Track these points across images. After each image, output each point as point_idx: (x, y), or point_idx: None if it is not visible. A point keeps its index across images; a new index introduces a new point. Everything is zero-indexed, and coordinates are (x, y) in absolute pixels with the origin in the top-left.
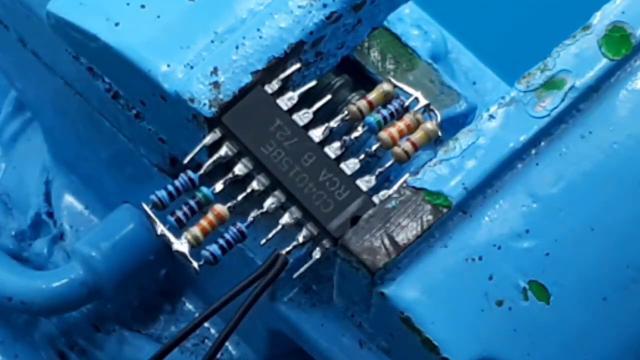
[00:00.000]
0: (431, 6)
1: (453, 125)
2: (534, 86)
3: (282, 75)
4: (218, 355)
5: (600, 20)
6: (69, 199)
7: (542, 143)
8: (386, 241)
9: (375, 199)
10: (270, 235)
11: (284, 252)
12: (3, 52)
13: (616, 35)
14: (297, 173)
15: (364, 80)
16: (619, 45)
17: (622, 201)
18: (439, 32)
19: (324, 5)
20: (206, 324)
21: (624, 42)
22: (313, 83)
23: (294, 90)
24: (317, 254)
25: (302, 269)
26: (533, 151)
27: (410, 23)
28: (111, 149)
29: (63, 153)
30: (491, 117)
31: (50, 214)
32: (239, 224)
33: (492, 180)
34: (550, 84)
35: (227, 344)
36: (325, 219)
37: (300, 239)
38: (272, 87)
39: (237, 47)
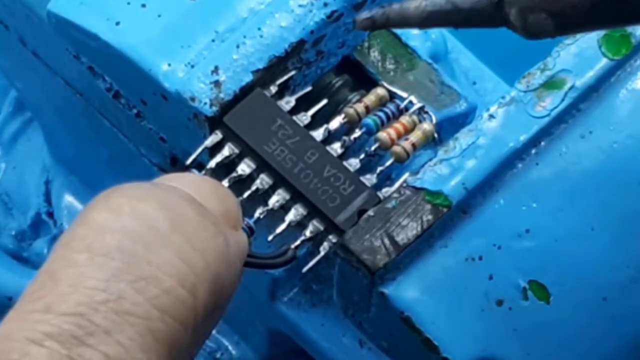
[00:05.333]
0: None
1: (453, 125)
2: (534, 86)
3: (279, 81)
4: (218, 356)
5: None
6: (69, 198)
7: (542, 143)
8: (386, 241)
9: (380, 195)
10: (278, 231)
11: (292, 246)
12: (3, 52)
13: (616, 35)
14: (302, 169)
15: (364, 80)
16: (619, 45)
17: (622, 201)
18: (438, 32)
19: (325, 4)
20: None
21: (624, 42)
22: (309, 89)
23: (293, 92)
24: (324, 248)
25: (311, 263)
26: (533, 151)
27: None
28: (111, 148)
29: (63, 153)
30: (491, 116)
31: (50, 214)
32: (246, 220)
33: (492, 180)
34: (551, 84)
35: (227, 343)
36: (332, 213)
37: (308, 233)
38: (269, 92)
39: (237, 46)
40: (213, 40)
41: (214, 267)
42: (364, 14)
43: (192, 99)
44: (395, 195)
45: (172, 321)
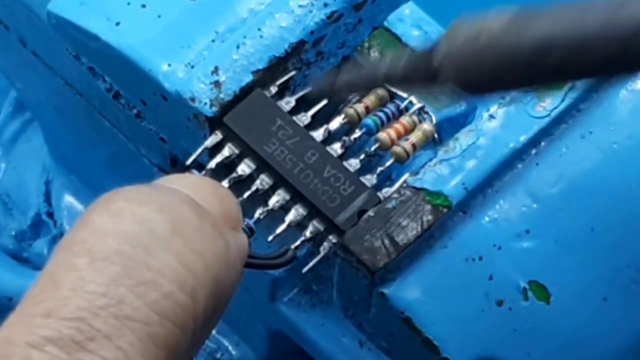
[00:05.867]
0: (431, 7)
1: (453, 125)
2: None
3: (280, 81)
4: (218, 356)
5: None
6: (69, 199)
7: (542, 143)
8: (386, 241)
9: (380, 195)
10: (278, 231)
11: (292, 247)
12: (3, 52)
13: None
14: (302, 170)
15: None
16: None
17: (622, 201)
18: (439, 33)
19: (325, 5)
20: None
21: None
22: (308, 89)
23: (293, 92)
24: (324, 248)
25: (311, 264)
26: (533, 151)
27: (411, 23)
28: (111, 149)
29: (63, 153)
30: (491, 117)
31: (50, 214)
32: (246, 220)
33: (492, 180)
34: None
35: (227, 344)
36: (332, 213)
37: (308, 234)
38: (269, 92)
39: (237, 47)
40: (213, 41)
41: (213, 270)
42: (317, 80)
43: (192, 100)
44: (395, 195)
45: (172, 325)
